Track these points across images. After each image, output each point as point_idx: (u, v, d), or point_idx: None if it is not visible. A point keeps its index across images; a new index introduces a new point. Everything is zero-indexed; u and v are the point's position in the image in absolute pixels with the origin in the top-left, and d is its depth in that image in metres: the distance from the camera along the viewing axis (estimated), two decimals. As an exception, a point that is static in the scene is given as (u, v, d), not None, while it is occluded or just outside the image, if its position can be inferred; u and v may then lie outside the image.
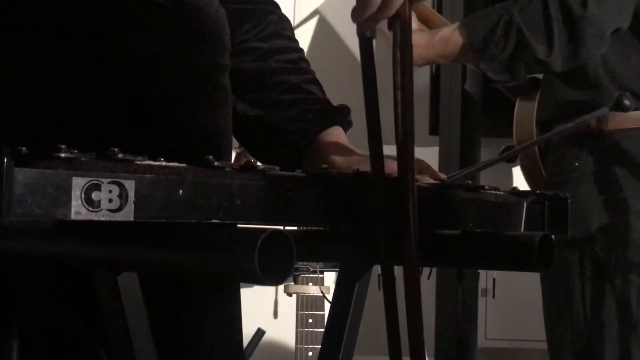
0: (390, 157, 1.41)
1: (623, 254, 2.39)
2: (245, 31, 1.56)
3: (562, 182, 2.45)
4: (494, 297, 3.22)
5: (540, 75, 2.62)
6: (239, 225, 0.97)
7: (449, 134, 3.17)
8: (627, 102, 2.28)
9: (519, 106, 2.68)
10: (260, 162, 1.53)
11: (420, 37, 2.41)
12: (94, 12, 1.33)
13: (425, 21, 2.58)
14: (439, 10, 3.61)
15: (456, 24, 2.45)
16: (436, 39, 2.41)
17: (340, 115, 1.54)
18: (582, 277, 2.42)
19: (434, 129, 3.81)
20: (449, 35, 2.40)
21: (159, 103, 1.37)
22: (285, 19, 1.62)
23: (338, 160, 1.47)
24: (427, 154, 3.61)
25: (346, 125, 1.54)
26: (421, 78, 3.86)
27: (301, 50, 1.62)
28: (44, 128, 1.30)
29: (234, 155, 2.78)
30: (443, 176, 1.39)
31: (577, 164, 2.44)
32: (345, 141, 1.51)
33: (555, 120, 2.52)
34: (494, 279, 3.22)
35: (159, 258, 0.96)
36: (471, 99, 3.27)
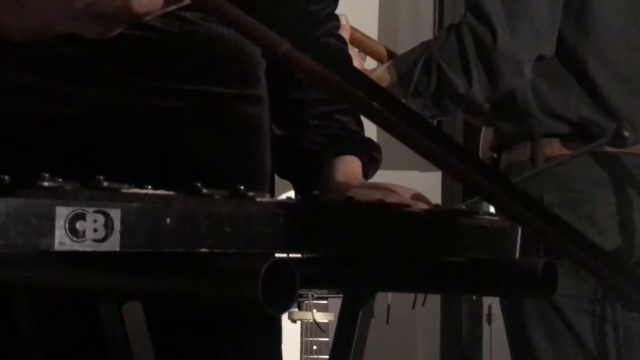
0: (390, 185, 1.41)
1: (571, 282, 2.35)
2: None
3: None
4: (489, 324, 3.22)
5: None
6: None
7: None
8: (626, 133, 2.26)
9: (483, 133, 2.73)
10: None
11: None
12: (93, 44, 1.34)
13: (359, 46, 2.63)
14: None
15: (388, 62, 2.50)
16: (372, 77, 2.44)
17: (360, 147, 1.54)
18: (532, 305, 2.40)
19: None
20: (382, 74, 2.47)
21: (161, 133, 1.37)
22: None
23: (340, 187, 1.46)
24: (431, 178, 3.61)
25: (365, 158, 1.53)
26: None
27: None
28: (34, 160, 1.30)
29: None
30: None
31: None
32: (356, 171, 1.50)
33: (500, 149, 2.56)
34: (489, 306, 3.21)
35: (163, 287, 0.95)
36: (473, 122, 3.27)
